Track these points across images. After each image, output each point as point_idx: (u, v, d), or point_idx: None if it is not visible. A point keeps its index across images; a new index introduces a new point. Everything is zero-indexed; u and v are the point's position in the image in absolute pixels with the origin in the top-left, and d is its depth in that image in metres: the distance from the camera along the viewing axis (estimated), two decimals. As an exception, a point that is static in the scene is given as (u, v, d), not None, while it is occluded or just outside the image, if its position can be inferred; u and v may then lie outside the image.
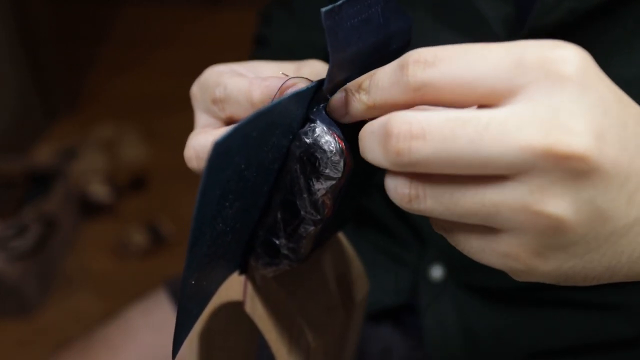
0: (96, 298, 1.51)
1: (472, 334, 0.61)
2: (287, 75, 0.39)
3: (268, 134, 0.33)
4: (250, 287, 0.43)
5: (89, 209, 1.72)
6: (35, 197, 1.57)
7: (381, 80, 0.31)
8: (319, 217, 0.36)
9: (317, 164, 0.35)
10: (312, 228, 0.37)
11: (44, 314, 1.48)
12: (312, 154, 0.35)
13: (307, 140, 0.35)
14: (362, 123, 0.36)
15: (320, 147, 0.35)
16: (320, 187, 0.35)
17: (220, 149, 0.29)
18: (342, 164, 0.35)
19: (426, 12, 0.57)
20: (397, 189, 0.30)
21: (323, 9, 0.32)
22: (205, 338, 0.48)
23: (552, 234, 0.27)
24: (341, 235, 0.46)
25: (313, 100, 0.35)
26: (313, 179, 0.35)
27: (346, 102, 0.34)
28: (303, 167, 0.35)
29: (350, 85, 0.33)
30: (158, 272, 1.39)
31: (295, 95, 0.34)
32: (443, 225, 0.31)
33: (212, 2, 2.74)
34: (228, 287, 0.44)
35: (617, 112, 0.27)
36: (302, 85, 0.36)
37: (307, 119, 0.36)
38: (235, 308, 0.45)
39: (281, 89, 0.37)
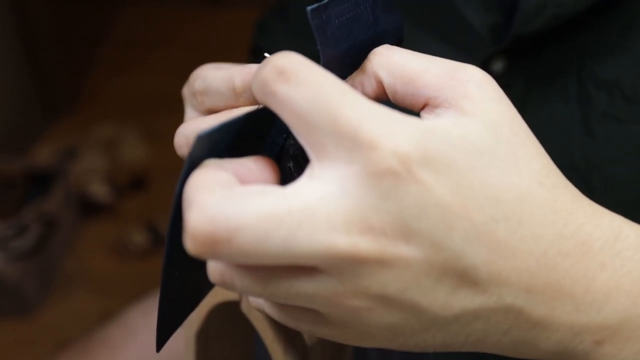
0: (96, 298, 1.51)
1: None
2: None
3: (261, 134, 0.33)
4: (246, 287, 0.43)
5: (89, 209, 1.72)
6: (35, 197, 1.57)
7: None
8: None
9: (309, 157, 0.35)
10: None
11: (44, 314, 1.48)
12: (305, 151, 0.35)
13: None
14: None
15: None
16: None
17: (203, 141, 0.29)
18: None
19: (411, 20, 0.57)
20: (210, 267, 0.29)
21: (309, 7, 0.32)
22: (202, 338, 0.48)
23: (365, 322, 0.28)
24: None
25: None
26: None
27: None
28: (297, 164, 0.35)
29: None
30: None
31: None
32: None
33: (212, 2, 2.74)
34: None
35: (456, 212, 0.27)
36: None
37: None
38: (231, 308, 0.45)
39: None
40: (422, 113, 0.30)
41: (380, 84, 0.32)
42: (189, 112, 0.40)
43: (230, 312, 0.46)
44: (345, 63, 0.35)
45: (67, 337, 0.78)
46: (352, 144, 0.26)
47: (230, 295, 0.44)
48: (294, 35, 0.70)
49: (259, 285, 0.28)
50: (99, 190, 1.73)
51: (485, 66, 0.53)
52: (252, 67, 0.35)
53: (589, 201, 0.31)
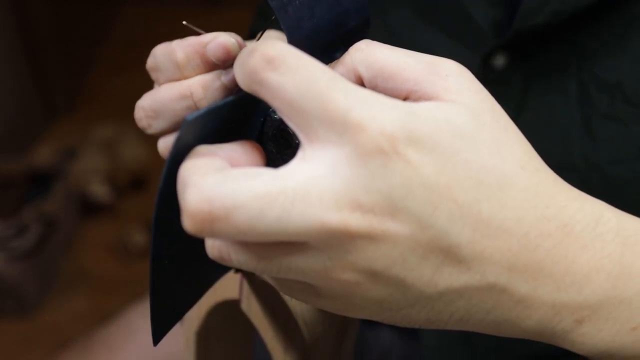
0: (96, 298, 1.51)
1: (472, 339, 0.61)
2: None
3: (242, 117, 0.34)
4: (246, 286, 0.43)
5: (89, 209, 1.72)
6: (35, 197, 1.57)
7: (239, 56, 0.30)
8: None
9: (289, 138, 0.35)
10: None
11: (44, 314, 1.48)
12: (284, 130, 0.35)
13: (276, 117, 0.36)
14: None
15: None
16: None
17: (190, 127, 0.30)
18: None
19: (414, 12, 0.57)
20: (208, 244, 0.30)
21: None
22: (203, 336, 0.48)
23: (354, 295, 0.29)
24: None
25: None
26: (289, 154, 0.36)
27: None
28: (277, 144, 0.36)
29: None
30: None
31: None
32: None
33: (212, 2, 2.74)
34: (224, 286, 0.44)
35: (441, 190, 0.28)
36: (223, 38, 0.37)
37: None
38: (231, 306, 0.45)
39: (203, 43, 0.37)
40: None
41: (359, 79, 0.33)
42: (155, 87, 0.41)
43: (230, 311, 0.46)
44: (313, 43, 0.36)
45: (67, 337, 0.78)
46: (341, 127, 0.27)
47: (230, 294, 0.44)
48: None
49: (253, 260, 0.29)
50: (99, 190, 1.73)
51: (486, 61, 0.53)
52: (192, 39, 0.37)
53: (570, 186, 0.32)
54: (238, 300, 0.44)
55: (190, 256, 0.36)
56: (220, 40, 0.37)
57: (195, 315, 0.46)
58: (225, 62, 0.38)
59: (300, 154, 0.29)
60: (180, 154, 0.30)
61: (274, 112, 0.36)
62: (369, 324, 0.67)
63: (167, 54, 0.39)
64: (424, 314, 0.30)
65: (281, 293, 0.41)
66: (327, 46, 0.37)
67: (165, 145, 0.41)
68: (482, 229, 0.29)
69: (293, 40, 0.34)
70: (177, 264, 0.35)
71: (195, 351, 0.48)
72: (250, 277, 0.43)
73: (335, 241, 0.27)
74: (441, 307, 0.30)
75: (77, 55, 2.32)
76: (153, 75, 0.40)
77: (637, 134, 0.49)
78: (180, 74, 0.39)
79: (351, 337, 0.47)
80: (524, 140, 0.31)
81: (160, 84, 0.40)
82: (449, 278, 0.29)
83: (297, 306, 0.41)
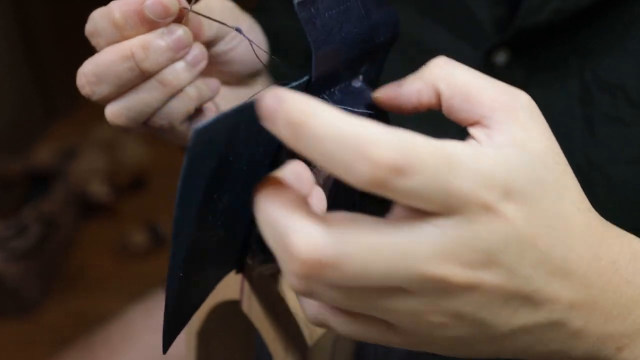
0: (96, 298, 1.51)
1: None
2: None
3: (258, 128, 0.33)
4: (247, 286, 0.43)
5: (89, 209, 1.72)
6: (35, 197, 1.57)
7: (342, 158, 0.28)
8: None
9: None
10: None
11: (44, 314, 1.48)
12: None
13: None
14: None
15: None
16: (314, 178, 0.35)
17: (201, 137, 0.29)
18: None
19: (417, 9, 0.57)
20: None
21: (295, 0, 0.32)
22: (203, 337, 0.48)
23: (434, 334, 0.31)
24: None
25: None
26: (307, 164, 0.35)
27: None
28: (294, 155, 0.35)
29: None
30: (158, 272, 1.38)
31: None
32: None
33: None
34: (225, 286, 0.44)
35: (530, 244, 0.30)
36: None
37: None
38: (232, 307, 0.45)
39: (140, 1, 0.37)
40: (471, 129, 0.32)
41: (437, 95, 0.34)
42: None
43: (230, 311, 0.46)
44: (339, 57, 0.35)
45: (67, 337, 0.78)
46: (453, 202, 0.28)
47: (230, 295, 0.44)
48: (294, 15, 0.70)
49: (346, 299, 0.30)
50: (99, 190, 1.72)
51: (488, 57, 0.53)
52: None
53: (608, 222, 0.35)
54: (239, 300, 0.44)
55: (200, 265, 0.36)
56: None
57: (196, 315, 0.46)
58: (165, 19, 0.38)
59: (406, 212, 0.29)
60: (194, 166, 0.30)
61: None
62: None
63: (104, 16, 0.38)
64: (494, 348, 0.33)
65: (282, 295, 0.41)
66: (352, 60, 0.37)
67: (112, 111, 0.41)
68: (556, 272, 0.31)
69: (319, 52, 0.34)
70: (189, 274, 0.35)
71: (196, 351, 0.48)
72: (251, 278, 0.43)
73: (435, 290, 0.29)
74: (509, 342, 0.32)
75: (77, 55, 2.31)
76: (94, 41, 0.40)
77: (639, 134, 0.49)
78: (119, 35, 0.38)
79: (351, 339, 0.47)
80: (576, 180, 0.33)
81: (101, 49, 0.40)
82: (523, 318, 0.31)
83: (298, 307, 0.41)
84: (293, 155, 0.35)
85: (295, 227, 0.27)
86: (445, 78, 0.33)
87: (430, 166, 0.27)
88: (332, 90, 0.38)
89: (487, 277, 0.29)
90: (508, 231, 0.29)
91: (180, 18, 0.39)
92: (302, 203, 0.29)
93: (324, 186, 0.36)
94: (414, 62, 0.58)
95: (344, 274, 0.27)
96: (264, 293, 0.42)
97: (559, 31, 0.50)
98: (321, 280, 0.28)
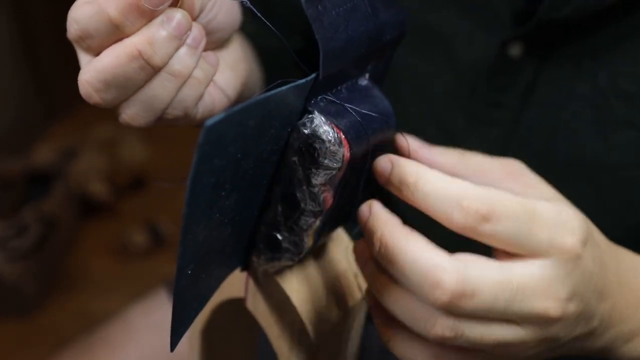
0: (96, 298, 1.51)
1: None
2: None
3: (266, 125, 0.33)
4: (252, 284, 0.43)
5: (89, 209, 1.72)
6: (35, 197, 1.56)
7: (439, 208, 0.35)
8: (319, 208, 0.36)
9: (315, 154, 0.35)
10: (312, 220, 0.37)
11: (44, 314, 1.48)
12: (311, 145, 0.35)
13: (306, 131, 0.35)
14: (361, 120, 0.35)
15: (319, 137, 0.35)
16: (319, 177, 0.35)
17: (211, 134, 0.29)
18: (340, 154, 0.35)
19: None
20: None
21: None
22: (207, 334, 0.48)
23: (523, 354, 0.37)
24: (344, 233, 0.46)
25: (311, 93, 0.35)
26: (312, 170, 0.35)
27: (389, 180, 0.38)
28: (302, 158, 0.35)
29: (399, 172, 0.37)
30: (158, 272, 1.38)
31: (293, 87, 0.34)
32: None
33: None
34: (230, 284, 0.44)
35: (591, 275, 0.37)
36: None
37: (306, 111, 0.36)
38: (237, 305, 0.45)
39: None
40: None
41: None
42: (83, 57, 0.39)
43: (235, 309, 0.46)
44: (346, 55, 0.35)
45: (67, 337, 0.78)
46: (553, 249, 0.35)
47: (235, 293, 0.44)
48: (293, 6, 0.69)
49: (483, 332, 0.35)
50: (99, 190, 1.72)
51: (503, 48, 0.53)
52: None
53: (621, 248, 0.43)
54: (243, 298, 0.44)
55: (207, 262, 0.36)
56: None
57: (200, 313, 0.46)
58: (163, 5, 0.36)
59: (505, 256, 0.36)
60: (204, 163, 0.30)
61: (303, 125, 0.35)
62: (369, 320, 0.67)
63: (96, 16, 0.35)
64: (546, 353, 0.39)
65: (287, 293, 0.41)
66: (360, 58, 0.36)
67: (128, 114, 0.39)
68: (600, 294, 0.39)
69: (326, 49, 0.34)
70: (196, 271, 0.35)
71: (200, 349, 0.48)
72: (256, 275, 0.43)
73: (538, 322, 0.36)
74: (562, 348, 0.39)
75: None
76: (82, 45, 0.37)
77: None
78: (119, 34, 0.36)
79: (356, 337, 0.47)
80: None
81: (93, 52, 0.37)
82: (580, 330, 0.38)
83: (302, 305, 0.41)
84: (299, 152, 0.35)
85: (442, 264, 0.34)
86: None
87: (512, 215, 0.34)
88: (338, 87, 0.38)
89: (572, 307, 0.36)
90: (584, 270, 0.36)
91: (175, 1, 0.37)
92: (433, 245, 0.35)
93: (329, 186, 0.36)
94: (427, 48, 0.58)
95: (476, 304, 0.33)
96: (269, 291, 0.42)
97: (574, 33, 0.50)
98: (460, 309, 0.33)
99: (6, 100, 1.83)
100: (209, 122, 0.29)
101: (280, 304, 0.42)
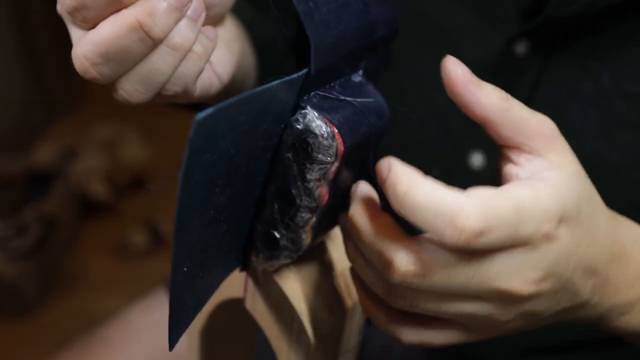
0: (96, 298, 1.51)
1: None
2: None
3: (258, 121, 0.33)
4: (251, 284, 0.43)
5: (89, 209, 1.72)
6: (35, 197, 1.56)
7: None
8: (314, 204, 0.36)
9: (309, 149, 0.35)
10: (308, 216, 0.37)
11: (44, 314, 1.48)
12: (304, 140, 0.35)
13: (299, 127, 0.35)
14: (354, 115, 0.36)
15: (312, 132, 0.35)
16: (314, 172, 0.35)
17: (202, 128, 0.29)
18: (334, 148, 0.35)
19: None
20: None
21: None
22: (206, 335, 0.48)
23: (501, 327, 0.38)
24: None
25: (303, 88, 0.35)
26: (306, 165, 0.35)
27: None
28: (295, 154, 0.35)
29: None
30: (158, 272, 1.38)
31: (284, 82, 0.34)
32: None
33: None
34: (229, 284, 0.44)
35: (570, 254, 0.37)
36: None
37: (298, 107, 0.36)
38: (236, 305, 0.45)
39: None
40: (509, 152, 0.37)
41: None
42: (75, 32, 0.38)
43: (234, 309, 0.46)
44: (338, 51, 0.35)
45: (67, 337, 0.78)
46: (518, 241, 0.34)
47: (234, 293, 0.44)
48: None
49: (440, 305, 0.36)
50: (99, 190, 1.72)
51: (509, 46, 0.53)
52: None
53: (617, 215, 0.42)
54: (242, 298, 0.44)
55: (204, 261, 0.36)
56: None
57: (199, 313, 0.46)
58: None
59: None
60: (195, 158, 0.30)
61: (296, 120, 0.35)
62: (368, 320, 0.67)
63: None
64: (534, 326, 0.40)
65: (286, 293, 0.41)
66: (351, 54, 0.37)
67: (126, 90, 0.38)
68: (587, 270, 0.38)
69: (317, 45, 0.34)
70: (193, 270, 0.35)
71: (199, 349, 0.48)
72: (255, 275, 0.43)
73: (509, 300, 0.36)
74: (547, 321, 0.39)
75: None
76: (76, 17, 0.36)
77: None
78: (117, 5, 0.35)
79: (355, 336, 0.47)
80: (592, 186, 0.39)
81: (88, 25, 0.36)
82: (563, 304, 0.38)
83: (302, 305, 0.41)
84: (293, 149, 0.35)
85: (398, 245, 0.34)
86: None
87: (504, 224, 0.33)
88: (332, 84, 0.38)
89: (545, 286, 0.36)
90: (560, 249, 0.35)
91: None
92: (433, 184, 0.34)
93: (324, 181, 0.36)
94: (430, 45, 0.58)
95: (492, 239, 0.33)
96: (268, 291, 0.42)
97: (580, 31, 0.50)
98: (478, 244, 0.33)
99: (6, 100, 1.84)
100: (199, 116, 0.29)
101: (279, 304, 0.42)
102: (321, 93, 0.37)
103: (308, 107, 0.35)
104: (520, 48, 0.53)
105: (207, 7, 0.40)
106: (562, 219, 0.35)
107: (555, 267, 0.36)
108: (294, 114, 0.36)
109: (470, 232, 0.32)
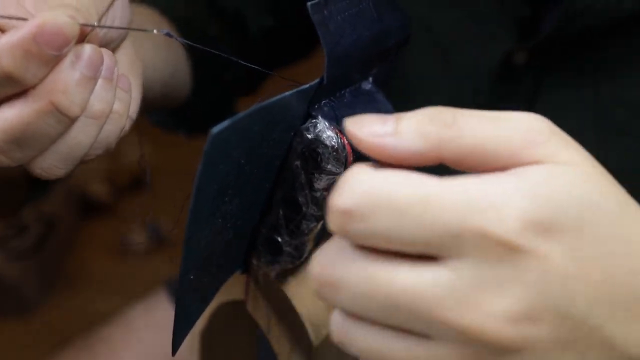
0: (96, 298, 1.51)
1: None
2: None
3: (269, 130, 0.33)
4: (252, 286, 0.43)
5: (89, 209, 1.72)
6: (35, 197, 1.56)
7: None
8: (320, 213, 0.36)
9: (318, 159, 0.35)
10: (314, 224, 0.37)
11: (44, 314, 1.48)
12: (314, 150, 0.35)
13: (309, 136, 0.35)
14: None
15: (322, 142, 0.35)
16: (322, 182, 0.35)
17: (217, 140, 0.29)
18: (343, 159, 0.35)
19: None
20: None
21: (309, 3, 0.32)
22: (207, 337, 0.48)
23: None
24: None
25: (315, 97, 0.35)
26: (315, 175, 0.35)
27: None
28: (304, 162, 0.35)
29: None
30: (158, 272, 1.38)
31: (297, 92, 0.34)
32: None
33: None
34: (230, 286, 0.44)
35: (566, 279, 0.25)
36: (50, 20, 0.30)
37: (309, 116, 0.36)
38: (237, 307, 0.45)
39: (27, 38, 0.29)
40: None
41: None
42: None
43: (233, 311, 0.46)
44: (351, 59, 0.35)
45: (67, 337, 0.78)
46: (463, 239, 0.24)
47: (235, 295, 0.44)
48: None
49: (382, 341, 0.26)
50: (99, 190, 1.72)
51: (508, 57, 0.53)
52: (10, 40, 0.30)
53: None
54: (243, 300, 0.44)
55: (208, 266, 0.36)
56: (50, 26, 0.29)
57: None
58: (68, 48, 0.30)
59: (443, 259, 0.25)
60: (209, 169, 0.30)
61: (307, 130, 0.35)
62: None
63: None
64: None
65: (287, 295, 0.41)
66: (364, 62, 0.37)
67: (44, 168, 0.35)
68: (618, 303, 0.26)
69: (332, 55, 0.34)
70: (198, 275, 0.35)
71: (199, 351, 0.48)
72: (256, 278, 0.43)
73: (485, 349, 0.25)
74: None
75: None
76: None
77: None
78: (18, 87, 0.30)
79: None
80: (625, 192, 0.29)
81: None
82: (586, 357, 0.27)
83: (303, 308, 0.41)
84: (302, 157, 0.35)
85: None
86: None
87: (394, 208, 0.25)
88: (342, 92, 0.38)
89: (532, 331, 0.25)
90: (545, 269, 0.24)
91: (82, 36, 0.32)
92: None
93: (328, 190, 0.36)
94: (430, 54, 0.58)
95: (380, 224, 0.25)
96: (269, 293, 0.42)
97: (580, 45, 0.50)
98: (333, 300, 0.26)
99: (6, 100, 1.83)
100: (216, 129, 0.28)
101: (280, 306, 0.42)
102: (332, 101, 0.37)
103: (319, 117, 0.35)
104: (520, 58, 0.53)
105: (107, 43, 0.37)
106: (541, 230, 0.24)
107: (545, 300, 0.24)
108: (304, 122, 0.36)
109: (336, 211, 0.25)
